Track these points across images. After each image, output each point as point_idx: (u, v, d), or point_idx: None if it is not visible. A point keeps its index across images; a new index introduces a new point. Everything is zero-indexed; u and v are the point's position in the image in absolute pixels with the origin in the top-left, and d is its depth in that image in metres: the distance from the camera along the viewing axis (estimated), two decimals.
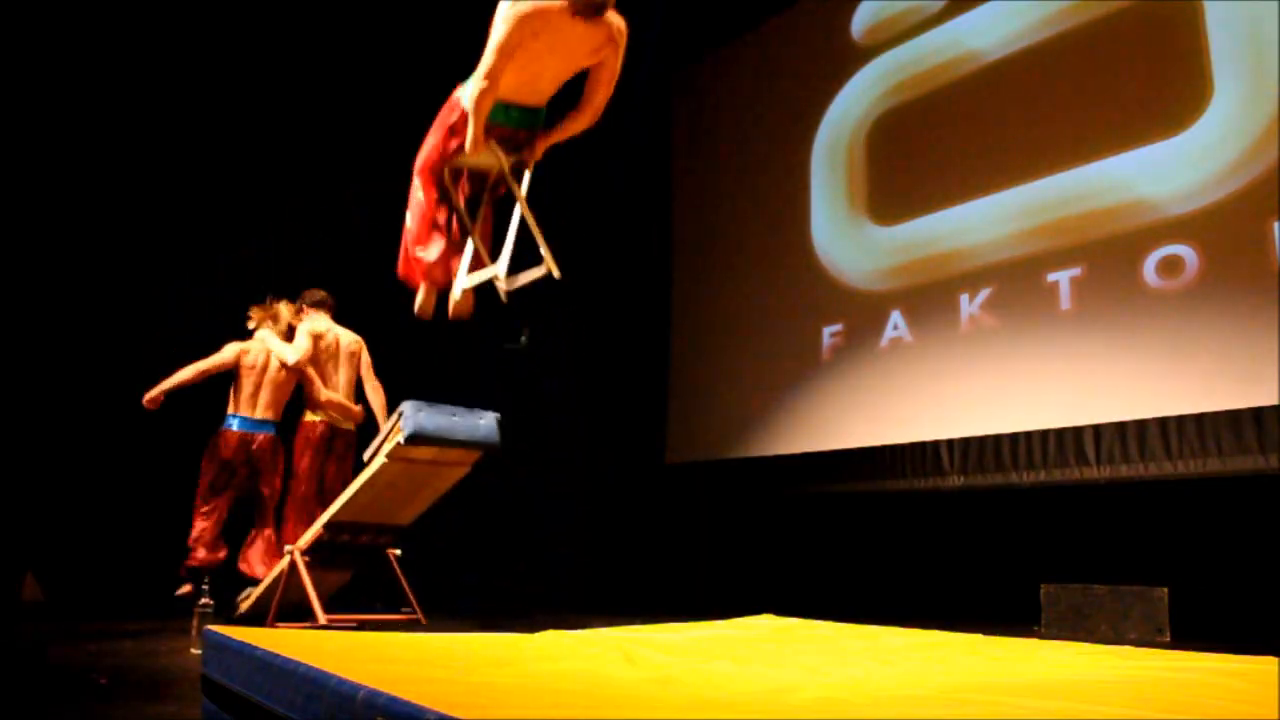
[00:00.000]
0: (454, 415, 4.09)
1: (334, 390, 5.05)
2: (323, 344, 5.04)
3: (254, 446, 4.97)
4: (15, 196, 5.91)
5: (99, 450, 6.00)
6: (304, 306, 5.16)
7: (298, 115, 6.77)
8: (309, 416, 5.03)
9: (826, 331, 6.30)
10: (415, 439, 3.93)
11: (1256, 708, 1.49)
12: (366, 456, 4.23)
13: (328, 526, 4.25)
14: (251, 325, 5.12)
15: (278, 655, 1.70)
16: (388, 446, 4.04)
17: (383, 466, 4.05)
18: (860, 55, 6.41)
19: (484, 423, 4.20)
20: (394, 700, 1.24)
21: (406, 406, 4.00)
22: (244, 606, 4.65)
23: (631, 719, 1.56)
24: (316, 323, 5.07)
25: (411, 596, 4.50)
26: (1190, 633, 4.17)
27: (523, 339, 5.01)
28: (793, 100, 6.83)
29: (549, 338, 7.58)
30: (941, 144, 5.81)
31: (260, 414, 5.03)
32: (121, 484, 6.00)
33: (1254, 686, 1.63)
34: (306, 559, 4.22)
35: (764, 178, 6.97)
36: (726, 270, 7.13)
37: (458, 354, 7.20)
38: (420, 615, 4.41)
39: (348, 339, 5.18)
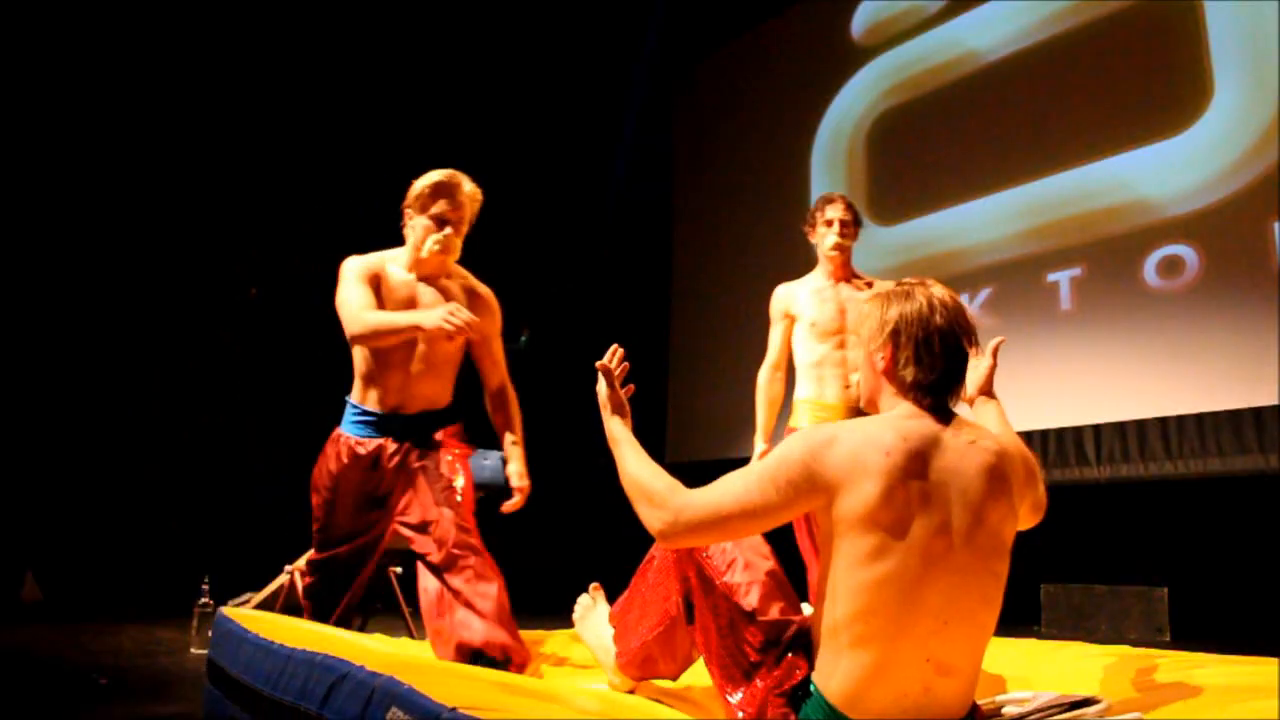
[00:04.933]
0: None
1: None
2: None
3: None
4: (16, 196, 5.91)
5: (99, 450, 5.99)
6: None
7: (296, 115, 6.77)
8: None
9: None
10: None
11: (1256, 708, 1.49)
12: None
13: None
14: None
15: (295, 646, 1.70)
16: None
17: None
18: (860, 55, 6.41)
19: (489, 463, 4.16)
20: (412, 691, 1.24)
21: None
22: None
23: (636, 718, 1.56)
24: None
25: (408, 616, 4.49)
26: (1190, 633, 4.17)
27: (522, 339, 4.98)
28: (793, 100, 6.82)
29: (549, 337, 7.57)
30: (941, 144, 5.81)
31: None
32: (121, 484, 5.99)
33: (1254, 686, 1.63)
34: (306, 579, 4.19)
35: (764, 178, 6.96)
36: (726, 270, 7.12)
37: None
38: (415, 633, 4.39)
39: None
